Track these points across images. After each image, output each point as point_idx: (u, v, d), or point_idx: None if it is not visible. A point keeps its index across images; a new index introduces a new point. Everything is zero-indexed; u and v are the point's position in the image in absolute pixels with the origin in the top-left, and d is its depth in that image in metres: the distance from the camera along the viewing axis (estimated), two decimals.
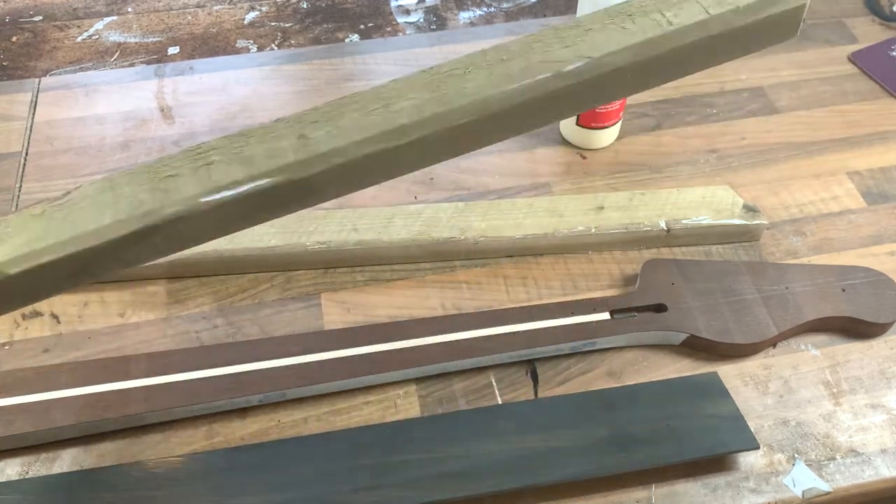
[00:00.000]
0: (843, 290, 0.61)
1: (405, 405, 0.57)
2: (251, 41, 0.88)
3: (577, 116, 0.72)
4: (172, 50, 0.87)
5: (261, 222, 0.40)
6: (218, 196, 0.37)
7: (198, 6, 0.93)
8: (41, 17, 0.91)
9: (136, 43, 0.88)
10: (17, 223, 0.38)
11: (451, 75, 0.39)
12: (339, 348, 0.58)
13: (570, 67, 0.39)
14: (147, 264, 0.62)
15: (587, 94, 0.40)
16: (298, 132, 0.38)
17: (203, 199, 0.37)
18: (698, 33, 0.40)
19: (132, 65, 0.85)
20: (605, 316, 0.59)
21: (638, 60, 0.39)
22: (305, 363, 0.57)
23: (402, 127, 0.38)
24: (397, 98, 0.39)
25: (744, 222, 0.65)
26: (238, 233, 0.64)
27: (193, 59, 0.85)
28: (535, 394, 0.57)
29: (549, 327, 0.59)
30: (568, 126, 0.74)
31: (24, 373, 0.56)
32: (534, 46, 0.39)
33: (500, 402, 0.57)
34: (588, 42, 0.39)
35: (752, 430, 0.54)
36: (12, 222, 0.38)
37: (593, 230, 0.64)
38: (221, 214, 0.38)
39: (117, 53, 0.87)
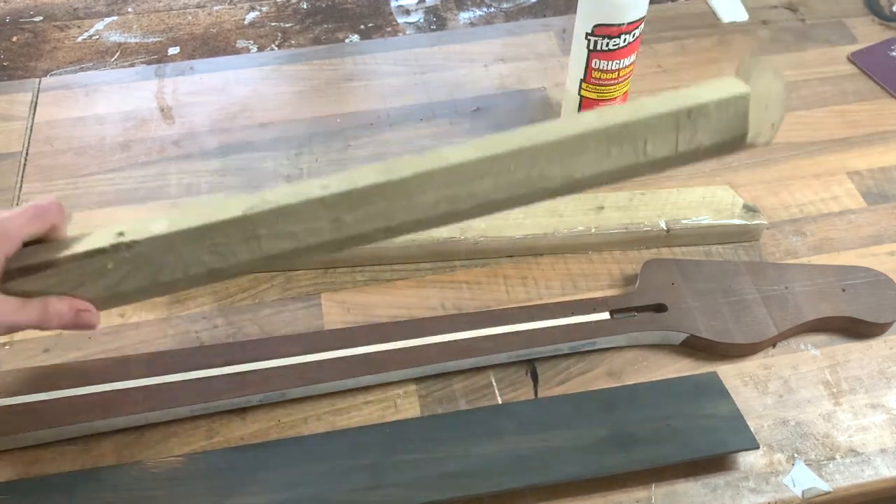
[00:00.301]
0: (843, 290, 0.61)
1: (405, 405, 0.57)
2: (251, 41, 0.88)
3: None
4: (173, 50, 0.87)
5: None
6: (267, 259, 0.47)
7: (198, 6, 0.93)
8: (41, 18, 0.91)
9: (136, 43, 0.88)
10: (89, 271, 0.45)
11: (465, 177, 0.47)
12: (339, 348, 0.58)
13: (556, 184, 0.48)
14: None
15: (560, 195, 0.50)
16: (334, 216, 0.46)
17: (255, 261, 0.47)
18: (662, 164, 0.49)
19: (132, 65, 0.85)
20: (605, 316, 0.59)
21: (607, 178, 0.49)
22: (305, 363, 0.57)
23: (418, 220, 0.48)
24: (418, 194, 0.47)
25: (744, 222, 0.65)
26: None
27: (194, 59, 0.85)
28: (535, 394, 0.57)
29: (549, 327, 0.59)
30: None
31: (24, 373, 0.56)
32: (538, 161, 0.47)
33: (500, 402, 0.57)
34: (578, 164, 0.48)
35: (752, 429, 0.54)
36: (86, 271, 0.45)
37: (593, 230, 0.64)
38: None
39: (117, 53, 0.87)
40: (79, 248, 0.45)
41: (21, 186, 0.71)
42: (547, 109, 0.78)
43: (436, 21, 0.91)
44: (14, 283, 0.44)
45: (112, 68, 0.85)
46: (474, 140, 0.48)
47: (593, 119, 0.47)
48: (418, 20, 0.91)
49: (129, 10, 0.92)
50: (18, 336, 0.60)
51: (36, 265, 0.45)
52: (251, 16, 0.92)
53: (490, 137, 0.48)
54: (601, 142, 0.48)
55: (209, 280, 0.48)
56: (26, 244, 0.45)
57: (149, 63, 0.85)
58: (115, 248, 0.45)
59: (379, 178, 0.46)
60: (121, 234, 0.45)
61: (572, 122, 0.48)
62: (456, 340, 0.58)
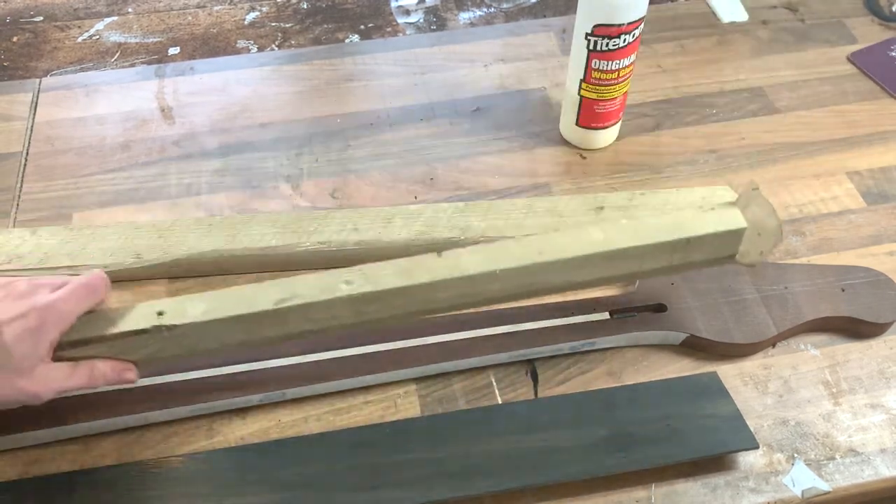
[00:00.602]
0: (843, 290, 0.61)
1: (405, 405, 0.57)
2: (251, 41, 0.88)
3: (577, 117, 0.72)
4: (173, 50, 0.87)
5: None
6: (291, 335, 0.52)
7: (198, 6, 0.93)
8: (42, 18, 0.91)
9: (136, 43, 0.88)
10: (131, 345, 0.50)
11: (478, 283, 0.51)
12: (339, 348, 0.58)
13: (557, 287, 0.53)
14: (147, 265, 0.63)
15: (557, 293, 0.56)
16: (356, 308, 0.51)
17: (281, 337, 0.52)
18: (653, 273, 0.54)
19: (133, 65, 0.85)
20: (605, 316, 0.59)
21: (603, 282, 0.55)
22: (305, 363, 0.57)
23: (430, 310, 0.52)
24: (434, 293, 0.51)
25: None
26: (238, 233, 0.64)
27: (194, 59, 0.85)
28: (535, 393, 0.57)
29: (549, 327, 0.59)
30: (568, 126, 0.74)
31: None
32: (545, 272, 0.52)
33: (500, 402, 0.57)
34: (580, 274, 0.53)
35: (752, 429, 0.54)
36: (128, 344, 0.50)
37: None
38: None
39: (118, 54, 0.87)
40: (123, 326, 0.50)
41: (21, 186, 0.71)
42: (547, 109, 0.78)
43: (436, 21, 0.91)
44: (64, 353, 0.48)
45: (112, 68, 0.85)
46: (489, 247, 0.52)
47: (600, 240, 0.52)
48: (418, 20, 0.91)
49: (130, 10, 0.92)
50: None
51: (85, 340, 0.49)
52: (251, 16, 0.92)
53: (504, 246, 0.52)
54: (604, 259, 0.52)
55: (237, 349, 0.54)
56: None
57: (149, 63, 0.85)
58: (157, 329, 0.50)
59: (400, 283, 0.51)
60: (161, 313, 0.50)
61: (580, 241, 0.52)
62: (456, 340, 0.58)
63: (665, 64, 0.82)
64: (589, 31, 0.65)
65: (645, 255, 0.53)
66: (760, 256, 0.54)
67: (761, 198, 0.53)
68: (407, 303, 0.52)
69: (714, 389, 0.56)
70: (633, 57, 0.68)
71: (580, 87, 0.69)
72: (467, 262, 0.51)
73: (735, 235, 0.53)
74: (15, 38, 0.89)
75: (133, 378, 0.51)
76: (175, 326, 0.50)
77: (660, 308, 0.60)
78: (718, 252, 0.54)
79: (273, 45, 0.88)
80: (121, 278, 0.63)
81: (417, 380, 0.58)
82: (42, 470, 0.53)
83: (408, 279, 0.51)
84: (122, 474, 0.52)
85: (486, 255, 0.52)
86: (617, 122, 0.73)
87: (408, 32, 0.90)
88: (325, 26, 0.90)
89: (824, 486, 0.53)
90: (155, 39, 0.88)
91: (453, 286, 0.52)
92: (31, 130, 0.76)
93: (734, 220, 0.53)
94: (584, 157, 0.73)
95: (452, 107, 0.78)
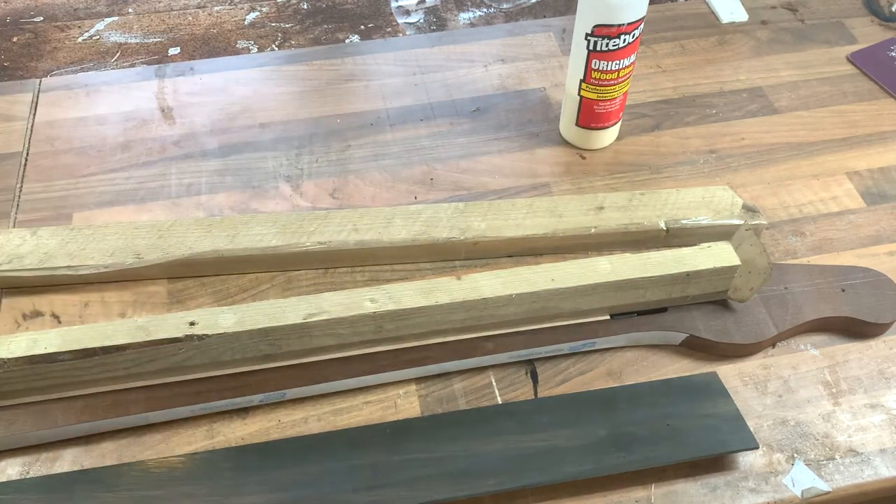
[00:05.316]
0: (843, 291, 0.61)
1: (405, 405, 0.57)
2: (252, 42, 0.88)
3: (577, 117, 0.72)
4: (173, 50, 0.87)
5: None
6: (313, 350, 0.56)
7: (198, 7, 0.93)
8: (42, 18, 0.91)
9: (136, 43, 0.88)
10: (163, 352, 0.53)
11: (493, 305, 0.56)
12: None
13: (564, 312, 0.58)
14: (147, 265, 0.63)
15: (564, 320, 0.59)
16: (378, 325, 0.55)
17: (303, 351, 0.56)
18: (654, 304, 0.59)
19: (133, 65, 0.85)
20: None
21: (608, 311, 0.59)
22: (305, 363, 0.57)
23: (445, 330, 0.57)
24: (450, 314, 0.56)
25: (743, 222, 0.65)
26: (238, 233, 0.64)
27: (194, 59, 0.85)
28: (535, 393, 0.57)
29: (549, 327, 0.59)
30: (568, 126, 0.74)
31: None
32: (555, 299, 0.56)
33: (499, 402, 0.57)
34: (587, 301, 0.57)
35: (752, 429, 0.54)
36: (161, 351, 0.53)
37: (593, 230, 0.64)
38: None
39: (118, 54, 0.87)
40: (157, 334, 0.53)
41: (21, 186, 0.71)
42: (547, 110, 0.78)
43: (436, 21, 0.91)
44: (97, 359, 0.53)
45: (112, 68, 0.85)
46: (505, 273, 0.57)
47: (608, 271, 0.57)
48: (418, 20, 0.91)
49: (130, 10, 0.92)
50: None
51: (119, 346, 0.52)
52: (251, 16, 0.92)
53: (519, 273, 0.57)
54: (611, 289, 0.57)
55: (260, 362, 0.56)
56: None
57: (149, 63, 0.85)
58: (189, 339, 0.53)
59: (421, 303, 0.54)
60: (193, 323, 0.53)
61: (590, 271, 0.57)
62: (456, 340, 0.58)
63: (665, 64, 0.82)
64: (589, 32, 0.65)
65: (648, 286, 0.57)
66: (750, 293, 0.58)
67: (753, 238, 0.58)
68: (425, 322, 0.56)
69: (714, 389, 0.56)
70: (632, 57, 0.68)
71: (580, 87, 0.69)
72: (484, 286, 0.55)
73: (729, 272, 0.58)
74: (15, 38, 0.89)
75: None
76: (207, 336, 0.53)
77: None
78: (713, 287, 0.59)
79: (273, 46, 0.88)
80: (121, 278, 0.63)
81: (417, 380, 0.58)
82: (43, 470, 0.53)
83: (428, 300, 0.55)
84: (123, 474, 0.52)
85: (501, 280, 0.56)
86: (617, 123, 0.73)
87: (408, 32, 0.90)
88: (325, 26, 0.90)
89: (824, 487, 0.53)
90: (155, 40, 0.88)
91: (469, 307, 0.55)
92: (32, 130, 0.76)
93: (730, 258, 0.58)
94: (584, 158, 0.74)
95: (452, 107, 0.78)
